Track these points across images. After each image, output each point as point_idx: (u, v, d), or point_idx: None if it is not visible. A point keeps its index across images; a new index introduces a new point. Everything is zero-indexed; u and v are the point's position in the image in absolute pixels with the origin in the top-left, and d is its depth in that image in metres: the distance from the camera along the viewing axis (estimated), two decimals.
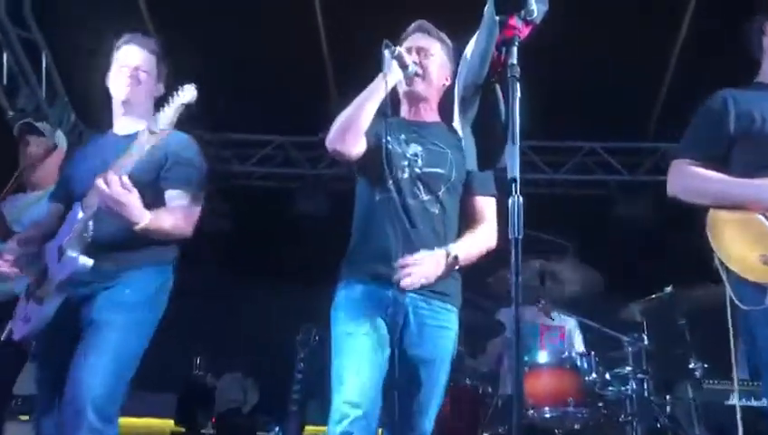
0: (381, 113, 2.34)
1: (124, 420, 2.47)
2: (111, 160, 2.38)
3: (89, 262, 2.31)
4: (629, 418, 3.48)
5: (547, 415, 3.40)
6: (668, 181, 2.31)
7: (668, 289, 3.61)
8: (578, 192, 5.94)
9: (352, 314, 2.25)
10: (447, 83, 2.53)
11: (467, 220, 2.41)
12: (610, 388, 3.58)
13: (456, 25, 2.53)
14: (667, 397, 3.76)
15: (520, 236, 1.54)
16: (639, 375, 3.55)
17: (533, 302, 3.97)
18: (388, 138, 2.40)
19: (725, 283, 2.14)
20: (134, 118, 2.60)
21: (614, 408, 3.56)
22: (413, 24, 2.53)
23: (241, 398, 6.10)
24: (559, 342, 4.13)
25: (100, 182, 2.28)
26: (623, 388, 3.55)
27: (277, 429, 4.50)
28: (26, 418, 3.29)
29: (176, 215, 2.46)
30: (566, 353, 3.57)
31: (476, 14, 1.76)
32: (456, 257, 2.27)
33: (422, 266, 2.23)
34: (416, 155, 2.39)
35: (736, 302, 2.10)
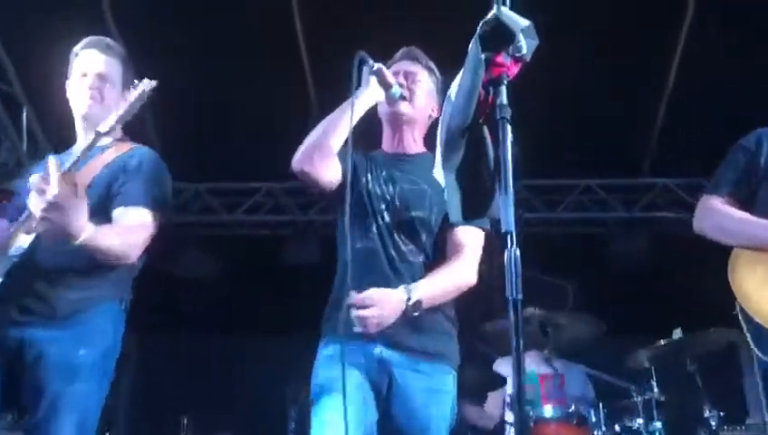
0: (358, 145, 2.16)
1: None
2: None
3: None
4: None
5: None
6: (695, 217, 2.25)
7: (677, 333, 3.43)
8: (575, 231, 5.78)
9: (331, 380, 2.02)
10: (434, 115, 2.36)
11: (446, 256, 2.19)
12: None
13: (444, 59, 2.42)
14: None
15: (520, 297, 1.37)
16: (651, 428, 3.33)
17: (531, 348, 3.78)
18: (369, 176, 2.21)
19: (745, 332, 2.00)
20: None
21: None
22: (401, 51, 2.39)
23: None
24: (560, 391, 3.92)
25: (35, 179, 1.91)
26: None
27: None
28: None
29: (118, 234, 2.13)
30: (573, 407, 3.36)
31: (463, 47, 1.61)
32: (418, 302, 2.04)
33: (375, 309, 1.99)
34: (393, 197, 2.21)
35: (758, 354, 1.95)
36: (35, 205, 1.94)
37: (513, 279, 1.38)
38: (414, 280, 2.12)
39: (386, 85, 2.20)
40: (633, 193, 5.74)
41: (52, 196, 1.89)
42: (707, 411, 3.36)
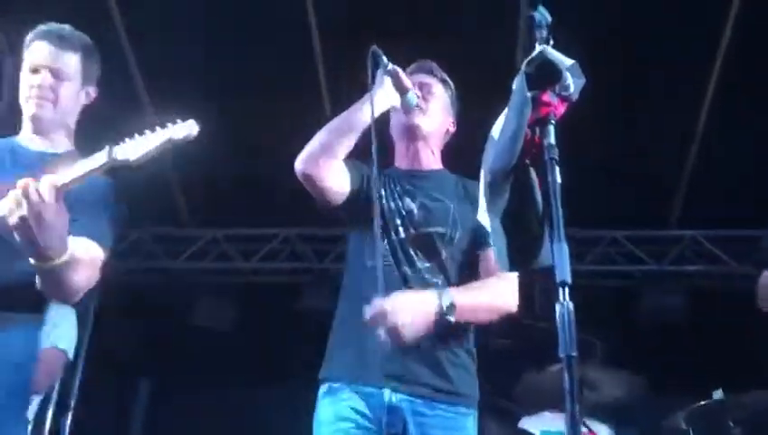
0: (366, 160, 1.94)
1: None
2: (13, 173, 1.81)
3: None
4: None
5: None
6: (758, 293, 2.20)
7: (718, 394, 3.23)
8: (602, 283, 5.62)
9: (336, 432, 1.82)
10: (452, 130, 2.23)
11: (480, 278, 1.96)
12: None
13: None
14: None
15: (575, 354, 1.24)
16: None
17: (561, 408, 3.59)
18: (383, 191, 2.01)
19: None
20: (50, 135, 2.05)
21: None
22: (415, 64, 2.22)
23: None
24: None
25: (26, 185, 1.62)
26: None
27: None
28: None
29: (86, 269, 1.82)
30: None
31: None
32: (451, 307, 1.80)
33: (401, 314, 1.74)
34: (411, 212, 2.01)
35: None
36: (13, 209, 1.65)
37: (568, 334, 1.26)
38: None
39: (402, 89, 2.00)
40: (661, 245, 5.59)
41: (43, 209, 1.63)
42: None
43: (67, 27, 2.11)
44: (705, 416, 3.32)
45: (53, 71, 2.03)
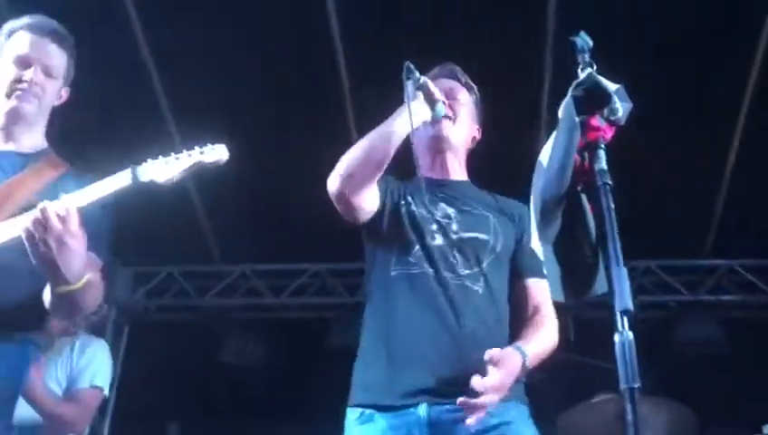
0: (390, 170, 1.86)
1: None
2: None
3: None
4: None
5: None
6: None
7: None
8: (636, 314, 5.51)
9: None
10: (478, 137, 2.16)
11: (519, 308, 1.88)
12: None
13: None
14: None
15: (636, 386, 1.19)
16: None
17: None
18: (409, 198, 1.92)
19: None
20: (29, 133, 1.93)
21: None
22: (438, 67, 2.13)
23: None
24: None
25: (51, 208, 1.55)
26: None
27: None
28: None
29: (98, 286, 1.77)
30: None
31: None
32: (530, 360, 1.73)
33: (497, 390, 1.62)
34: (448, 217, 1.91)
35: None
36: (32, 233, 1.58)
37: (629, 365, 1.21)
38: (475, 316, 1.80)
39: (432, 102, 1.91)
40: (695, 275, 5.48)
41: (65, 234, 1.57)
42: None
43: (55, 22, 2.00)
44: None
45: (45, 67, 1.92)
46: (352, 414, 1.84)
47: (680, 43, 4.25)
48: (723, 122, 4.68)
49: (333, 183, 1.86)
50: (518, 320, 1.91)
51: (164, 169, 1.75)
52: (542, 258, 1.44)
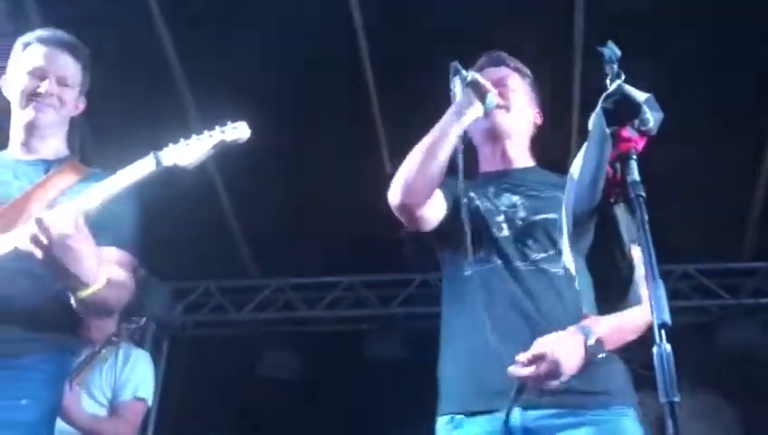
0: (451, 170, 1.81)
1: None
2: (16, 188, 1.80)
3: None
4: None
5: None
6: None
7: None
8: (676, 320, 5.41)
9: None
10: (538, 121, 2.10)
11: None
12: None
13: None
14: None
15: (677, 400, 1.18)
16: None
17: None
18: (471, 194, 1.88)
19: None
20: (48, 141, 1.98)
21: None
22: (484, 57, 2.07)
23: None
24: None
25: (48, 217, 1.56)
26: None
27: None
28: None
29: (123, 282, 1.78)
30: None
31: None
32: (599, 342, 1.62)
33: (546, 366, 1.55)
34: (514, 206, 1.87)
35: None
36: (36, 243, 1.59)
37: (668, 378, 1.20)
38: (555, 300, 1.73)
39: (481, 95, 1.86)
40: (735, 278, 5.38)
41: (67, 240, 1.57)
42: None
43: (67, 34, 2.04)
44: None
45: (59, 78, 1.97)
46: (442, 421, 1.79)
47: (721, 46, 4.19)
48: (762, 123, 4.59)
49: (394, 196, 1.80)
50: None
51: (186, 152, 1.76)
52: (574, 272, 1.43)
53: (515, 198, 1.89)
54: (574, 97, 4.43)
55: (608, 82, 1.53)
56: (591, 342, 1.62)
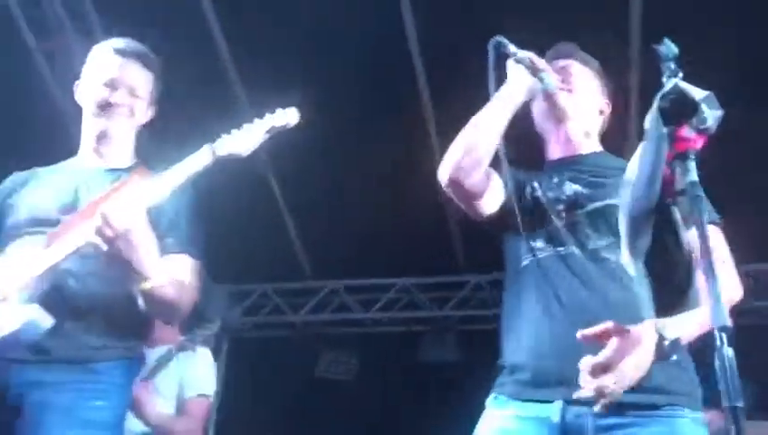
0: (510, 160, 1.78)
1: None
2: (85, 195, 1.87)
3: (47, 322, 1.68)
4: None
5: None
6: None
7: None
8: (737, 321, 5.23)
9: None
10: (607, 110, 2.04)
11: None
12: None
13: None
14: None
15: (740, 405, 1.15)
16: None
17: None
18: (534, 184, 1.86)
19: None
20: (117, 150, 2.04)
21: None
22: (552, 50, 2.02)
23: None
24: None
25: (112, 211, 1.64)
26: None
27: None
28: None
29: (182, 285, 1.83)
30: None
31: None
32: (675, 342, 1.49)
33: (615, 371, 1.45)
34: (575, 194, 1.83)
35: None
36: (101, 237, 1.68)
37: (730, 383, 1.17)
38: (616, 288, 1.66)
39: (535, 71, 1.81)
40: None
41: (127, 233, 1.65)
42: None
43: (140, 45, 2.09)
44: None
45: (131, 88, 2.01)
46: (492, 396, 1.79)
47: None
48: None
49: (444, 173, 1.78)
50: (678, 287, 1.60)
51: (240, 140, 1.79)
52: (632, 273, 1.41)
53: (577, 187, 1.84)
54: (632, 94, 4.32)
55: (664, 80, 1.50)
56: (667, 342, 1.50)
